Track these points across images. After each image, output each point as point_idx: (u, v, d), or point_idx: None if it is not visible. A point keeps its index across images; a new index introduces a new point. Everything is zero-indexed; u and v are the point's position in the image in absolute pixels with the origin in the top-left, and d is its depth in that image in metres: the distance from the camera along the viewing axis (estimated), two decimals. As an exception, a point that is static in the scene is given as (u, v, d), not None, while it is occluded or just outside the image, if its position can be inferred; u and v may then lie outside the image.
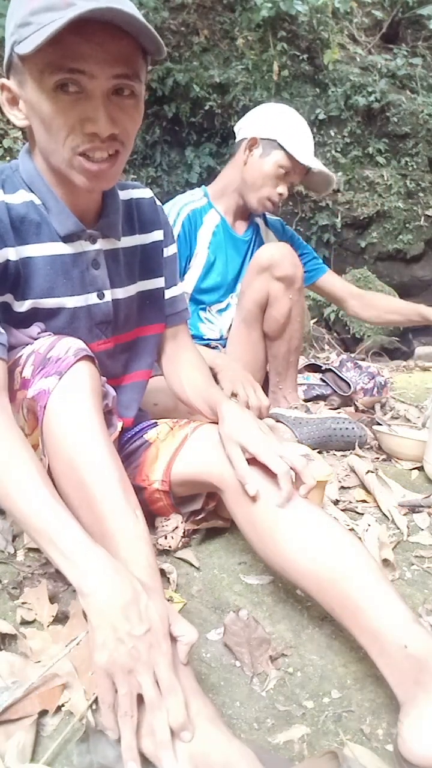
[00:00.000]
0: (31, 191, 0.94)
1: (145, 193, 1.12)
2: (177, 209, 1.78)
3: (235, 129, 1.85)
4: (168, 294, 1.17)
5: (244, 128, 1.81)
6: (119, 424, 0.97)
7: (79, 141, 0.83)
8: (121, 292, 1.06)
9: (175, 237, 1.67)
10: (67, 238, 0.96)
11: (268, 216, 2.00)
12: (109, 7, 0.73)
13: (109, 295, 1.02)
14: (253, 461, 0.90)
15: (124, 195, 1.07)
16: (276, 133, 1.73)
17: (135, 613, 0.66)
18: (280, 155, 1.73)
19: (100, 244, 1.00)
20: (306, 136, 1.76)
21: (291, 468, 0.91)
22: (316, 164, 1.75)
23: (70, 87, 0.79)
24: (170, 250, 1.16)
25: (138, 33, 0.78)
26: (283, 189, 1.77)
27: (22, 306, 0.94)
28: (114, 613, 0.65)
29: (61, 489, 0.81)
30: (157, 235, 1.12)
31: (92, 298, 1.00)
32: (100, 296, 1.01)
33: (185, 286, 1.78)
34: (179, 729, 0.64)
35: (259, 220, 1.97)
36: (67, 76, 0.78)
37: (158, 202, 1.14)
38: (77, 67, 0.77)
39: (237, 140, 1.82)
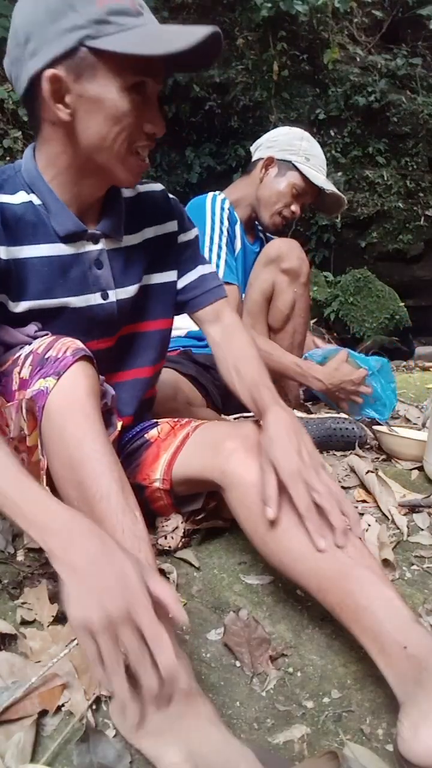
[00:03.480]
0: (32, 192, 0.94)
1: (155, 186, 1.12)
2: (219, 203, 1.81)
3: (252, 149, 1.95)
4: (196, 274, 1.14)
5: (261, 148, 1.89)
6: (119, 424, 0.97)
7: (137, 138, 0.90)
8: (126, 292, 1.05)
9: (224, 228, 1.74)
10: (68, 238, 0.96)
11: (269, 235, 2.07)
12: (214, 33, 0.81)
13: (113, 296, 1.02)
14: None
15: (130, 192, 1.07)
16: (291, 154, 1.81)
17: (108, 566, 0.64)
18: (295, 176, 1.81)
19: (103, 244, 1.00)
20: (320, 160, 1.84)
21: (316, 504, 0.85)
22: (330, 186, 1.81)
23: (141, 90, 0.86)
24: (188, 236, 1.15)
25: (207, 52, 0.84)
26: (296, 208, 1.84)
27: (18, 307, 0.94)
28: (85, 568, 0.64)
29: (60, 488, 0.81)
30: (170, 227, 1.11)
31: (95, 299, 1.00)
32: (104, 296, 1.01)
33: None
34: (171, 673, 0.62)
35: (263, 236, 2.04)
36: (145, 78, 0.86)
37: (171, 195, 1.14)
38: (155, 73, 0.87)
39: (253, 159, 1.91)
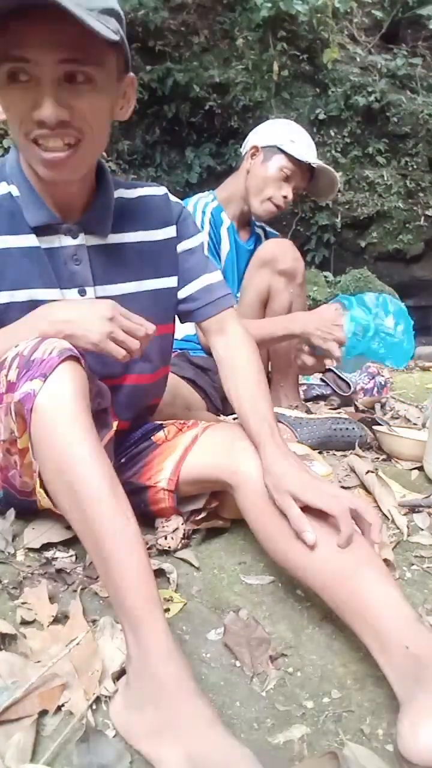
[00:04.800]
0: (12, 183, 0.95)
1: (158, 190, 1.09)
2: (201, 207, 1.80)
3: (241, 150, 1.93)
4: (201, 283, 1.11)
5: (248, 143, 1.87)
6: (114, 424, 0.97)
7: (30, 128, 0.84)
8: (110, 290, 1.02)
9: (205, 233, 1.70)
10: (41, 231, 0.95)
11: (268, 229, 2.03)
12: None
13: (91, 293, 1.00)
14: (305, 508, 0.86)
15: (130, 193, 1.06)
16: (275, 139, 1.78)
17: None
18: (281, 158, 1.77)
19: (83, 240, 0.98)
20: (306, 141, 1.81)
21: (353, 508, 0.86)
22: (319, 161, 1.78)
23: (20, 76, 0.80)
24: (190, 243, 1.11)
25: (79, 21, 0.76)
26: (287, 191, 1.80)
27: None
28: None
29: (51, 491, 0.81)
30: (169, 232, 1.08)
31: (72, 294, 0.98)
32: (81, 293, 0.99)
33: None
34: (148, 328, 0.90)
35: (260, 231, 2.00)
36: (13, 65, 0.79)
37: (173, 199, 1.11)
38: (20, 55, 0.78)
39: (242, 155, 1.89)
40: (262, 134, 1.83)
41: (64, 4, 0.72)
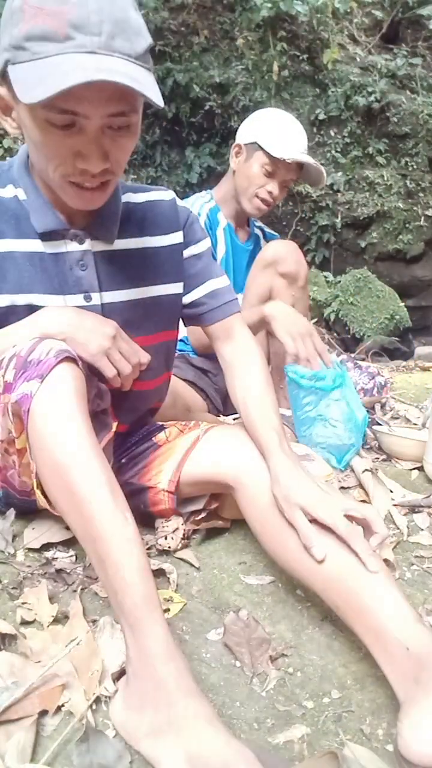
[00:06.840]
0: (20, 186, 0.94)
1: (165, 195, 1.08)
2: (197, 209, 1.79)
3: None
4: (206, 288, 1.10)
5: (237, 139, 1.84)
6: (114, 425, 0.97)
7: (70, 172, 0.84)
8: (115, 296, 1.01)
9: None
10: (47, 236, 0.94)
11: (267, 230, 2.02)
12: (104, 79, 0.71)
13: (97, 298, 0.99)
14: (316, 521, 0.86)
15: (137, 198, 1.05)
16: (255, 135, 1.74)
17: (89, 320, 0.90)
18: (261, 155, 1.74)
19: (90, 245, 0.97)
20: (289, 131, 1.74)
21: (363, 518, 0.87)
22: (294, 156, 1.71)
23: (68, 123, 0.79)
24: (198, 248, 1.10)
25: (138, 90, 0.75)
26: (272, 187, 1.76)
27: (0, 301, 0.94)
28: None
29: (49, 492, 0.81)
30: (175, 238, 1.07)
31: (77, 300, 0.97)
32: (87, 299, 0.98)
33: None
34: (143, 355, 0.96)
35: (259, 232, 1.99)
36: (60, 116, 0.77)
37: (181, 204, 1.10)
38: (71, 109, 0.76)
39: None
40: (244, 130, 1.79)
41: (126, 82, 0.72)
